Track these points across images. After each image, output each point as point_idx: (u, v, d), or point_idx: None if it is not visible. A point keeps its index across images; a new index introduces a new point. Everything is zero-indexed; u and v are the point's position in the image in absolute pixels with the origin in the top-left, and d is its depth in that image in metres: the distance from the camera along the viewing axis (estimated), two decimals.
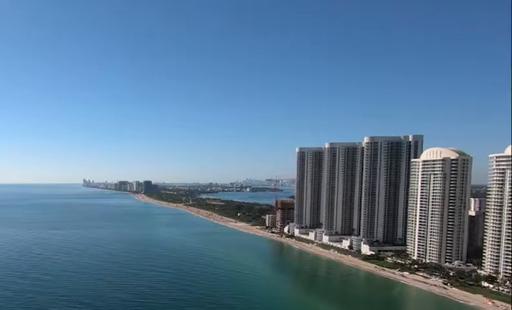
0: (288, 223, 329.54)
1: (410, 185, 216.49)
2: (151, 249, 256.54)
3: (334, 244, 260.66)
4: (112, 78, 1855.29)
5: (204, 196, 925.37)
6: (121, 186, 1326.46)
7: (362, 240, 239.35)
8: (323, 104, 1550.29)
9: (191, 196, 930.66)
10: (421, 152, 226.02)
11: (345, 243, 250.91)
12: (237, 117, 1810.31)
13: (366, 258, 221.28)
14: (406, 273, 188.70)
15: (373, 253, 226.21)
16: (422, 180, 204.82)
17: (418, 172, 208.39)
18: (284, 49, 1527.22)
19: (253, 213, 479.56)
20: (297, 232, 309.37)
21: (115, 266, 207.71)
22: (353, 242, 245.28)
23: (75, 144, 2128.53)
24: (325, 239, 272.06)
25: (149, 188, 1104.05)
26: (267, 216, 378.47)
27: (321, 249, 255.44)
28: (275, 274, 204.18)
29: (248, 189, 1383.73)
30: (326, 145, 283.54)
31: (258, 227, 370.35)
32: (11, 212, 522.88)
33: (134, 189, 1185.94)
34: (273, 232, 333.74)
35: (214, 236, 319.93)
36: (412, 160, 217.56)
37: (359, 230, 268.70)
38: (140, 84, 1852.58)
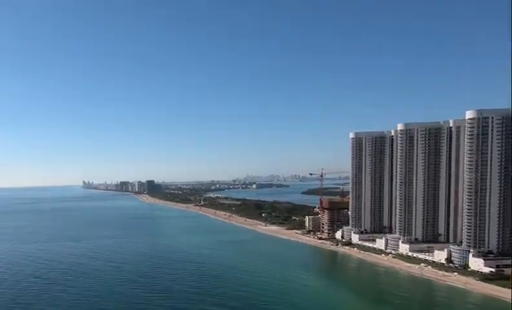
0: (341, 227, 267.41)
1: None
2: (182, 266, 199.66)
3: (418, 255, 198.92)
4: (112, 77, 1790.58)
5: (212, 195, 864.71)
6: (123, 186, 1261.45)
7: (470, 251, 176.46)
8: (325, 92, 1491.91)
9: (197, 194, 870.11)
10: None
11: (439, 255, 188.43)
12: (234, 111, 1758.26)
13: (486, 278, 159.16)
14: None
15: (492, 270, 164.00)
16: None
17: None
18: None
19: (280, 213, 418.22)
20: (355, 238, 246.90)
21: (143, 292, 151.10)
22: (454, 253, 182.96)
23: (72, 145, 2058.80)
24: (403, 248, 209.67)
25: (152, 188, 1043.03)
26: (307, 217, 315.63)
27: (406, 263, 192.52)
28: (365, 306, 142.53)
29: (254, 186, 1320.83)
30: (399, 127, 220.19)
31: (296, 231, 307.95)
32: (3, 220, 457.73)
33: (136, 189, 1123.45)
34: (320, 239, 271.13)
35: (251, 245, 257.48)
36: None
37: (447, 236, 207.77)
38: (141, 83, 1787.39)
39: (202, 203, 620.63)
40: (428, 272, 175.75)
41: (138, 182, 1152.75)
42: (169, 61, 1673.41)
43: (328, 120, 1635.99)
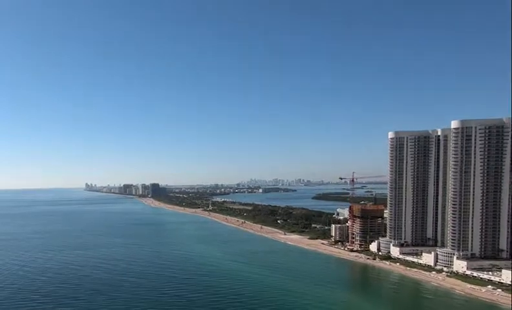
0: (374, 238, 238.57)
1: None
2: (209, 282, 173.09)
3: (479, 274, 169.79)
4: (113, 79, 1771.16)
5: (219, 199, 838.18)
6: (126, 189, 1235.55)
7: None
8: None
9: (202, 198, 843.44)
10: None
11: (508, 275, 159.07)
12: (234, 113, 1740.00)
13: None
14: None
15: None
16: None
17: None
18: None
19: (296, 220, 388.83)
20: (395, 251, 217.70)
21: None
22: None
23: (74, 147, 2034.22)
24: (459, 265, 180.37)
25: (157, 192, 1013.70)
26: (333, 226, 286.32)
27: (468, 285, 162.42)
28: None
29: (260, 190, 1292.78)
30: (454, 124, 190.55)
31: (321, 241, 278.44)
32: (3, 224, 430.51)
33: (140, 193, 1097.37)
34: (352, 251, 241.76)
35: (277, 257, 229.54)
36: None
37: (511, 252, 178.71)
38: (141, 86, 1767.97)
39: (210, 207, 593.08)
40: (502, 298, 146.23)
41: (142, 185, 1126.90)
42: (171, 63, 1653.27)
43: (328, 121, 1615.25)
